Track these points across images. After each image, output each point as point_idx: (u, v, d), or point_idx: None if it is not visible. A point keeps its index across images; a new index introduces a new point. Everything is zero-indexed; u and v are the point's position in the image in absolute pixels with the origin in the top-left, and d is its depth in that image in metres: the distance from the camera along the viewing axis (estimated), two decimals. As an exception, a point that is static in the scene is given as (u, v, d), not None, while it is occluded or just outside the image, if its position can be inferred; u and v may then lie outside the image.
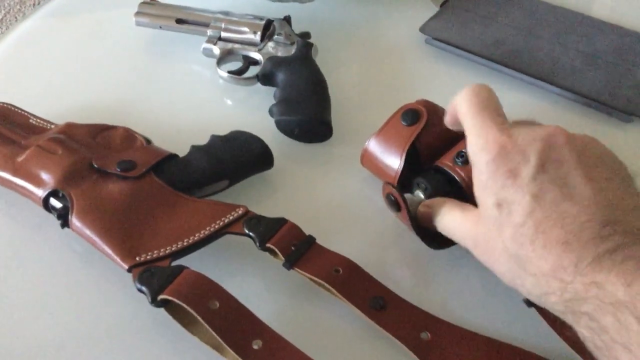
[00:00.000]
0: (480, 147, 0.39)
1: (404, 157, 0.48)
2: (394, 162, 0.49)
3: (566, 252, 0.35)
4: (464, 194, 0.45)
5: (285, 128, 0.56)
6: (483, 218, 0.39)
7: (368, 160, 0.51)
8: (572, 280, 0.34)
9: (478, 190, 0.40)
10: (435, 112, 0.50)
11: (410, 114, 0.49)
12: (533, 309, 0.41)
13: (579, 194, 0.36)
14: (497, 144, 0.38)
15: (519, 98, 0.61)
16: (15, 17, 1.82)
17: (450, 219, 0.42)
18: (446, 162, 0.46)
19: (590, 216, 0.35)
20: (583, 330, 0.35)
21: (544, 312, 0.41)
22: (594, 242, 0.34)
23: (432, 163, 0.47)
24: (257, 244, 0.45)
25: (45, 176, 0.48)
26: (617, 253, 0.34)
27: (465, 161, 0.45)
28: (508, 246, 0.37)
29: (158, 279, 0.42)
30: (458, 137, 0.46)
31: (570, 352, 0.40)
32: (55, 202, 0.47)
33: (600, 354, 0.34)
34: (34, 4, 1.86)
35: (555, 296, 0.35)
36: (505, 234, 0.37)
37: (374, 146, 0.50)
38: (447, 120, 0.44)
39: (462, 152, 0.45)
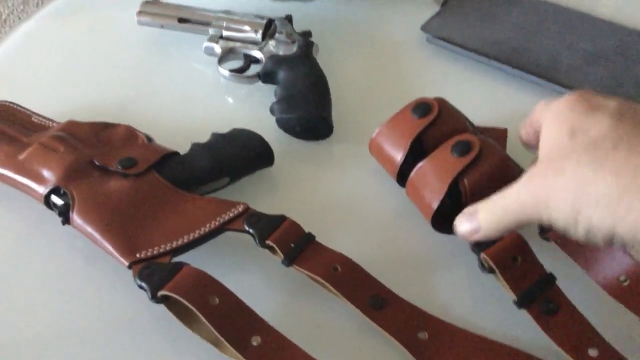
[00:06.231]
0: (561, 100, 0.40)
1: (406, 149, 0.48)
2: (397, 153, 0.49)
3: None
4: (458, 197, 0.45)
5: (286, 126, 0.57)
6: (549, 158, 0.38)
7: (375, 149, 0.51)
8: None
9: (549, 134, 0.39)
10: (447, 110, 0.49)
11: (421, 107, 0.49)
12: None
13: None
14: (578, 92, 0.39)
15: (521, 96, 0.61)
16: (19, 17, 1.83)
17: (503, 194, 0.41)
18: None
19: None
20: None
21: (534, 313, 0.41)
22: None
23: None
24: (257, 240, 0.45)
25: (46, 173, 0.48)
26: None
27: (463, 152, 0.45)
28: (583, 158, 0.36)
29: (158, 275, 0.42)
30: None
31: (558, 350, 0.41)
32: (56, 199, 0.48)
33: None
34: (37, 4, 1.87)
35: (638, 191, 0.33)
36: (580, 150, 0.36)
37: (382, 135, 0.50)
38: (523, 134, 0.44)
39: (461, 141, 0.45)
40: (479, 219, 0.41)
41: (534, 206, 0.38)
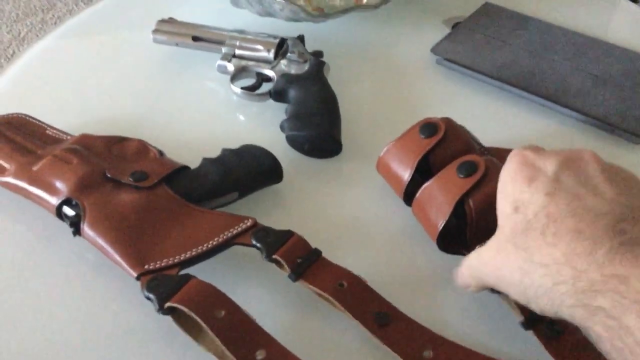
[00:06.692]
0: (506, 166, 0.41)
1: (413, 169, 0.48)
2: (404, 172, 0.49)
3: (579, 240, 0.34)
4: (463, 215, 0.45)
5: (295, 143, 0.57)
6: (500, 231, 0.39)
7: (382, 167, 0.52)
8: (586, 268, 0.33)
9: (499, 206, 0.40)
10: (453, 131, 0.50)
11: (428, 127, 0.49)
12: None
13: (600, 192, 0.36)
14: (520, 155, 0.40)
15: (529, 119, 0.61)
16: (37, 35, 1.86)
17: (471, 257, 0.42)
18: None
19: (607, 210, 0.35)
20: (597, 328, 0.32)
21: (540, 334, 0.41)
22: (609, 233, 0.33)
23: None
24: (264, 255, 0.45)
25: (59, 185, 0.49)
26: (638, 247, 0.32)
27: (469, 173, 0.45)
28: (518, 241, 0.37)
29: (165, 287, 0.42)
30: None
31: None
32: (68, 211, 0.48)
33: (620, 356, 0.31)
34: (55, 22, 1.90)
35: (566, 286, 0.34)
36: (518, 230, 0.37)
37: (389, 154, 0.51)
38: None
39: (466, 162, 0.46)
40: (464, 274, 0.42)
41: (496, 283, 0.39)
